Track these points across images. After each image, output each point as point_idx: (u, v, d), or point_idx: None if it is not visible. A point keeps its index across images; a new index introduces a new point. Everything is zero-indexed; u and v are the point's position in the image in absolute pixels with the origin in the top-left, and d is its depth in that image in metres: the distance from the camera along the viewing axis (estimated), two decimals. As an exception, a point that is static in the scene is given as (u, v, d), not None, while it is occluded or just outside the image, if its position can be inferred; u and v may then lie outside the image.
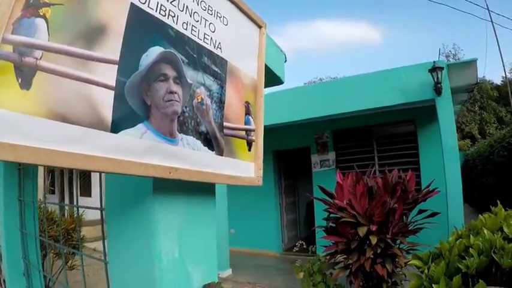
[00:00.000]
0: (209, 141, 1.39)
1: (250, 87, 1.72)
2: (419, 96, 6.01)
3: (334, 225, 4.41)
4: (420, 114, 6.88)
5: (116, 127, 1.02)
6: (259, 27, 1.85)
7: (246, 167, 1.61)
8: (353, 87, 6.84)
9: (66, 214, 6.21)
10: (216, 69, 1.49)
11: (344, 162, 7.69)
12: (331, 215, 4.50)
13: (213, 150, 1.40)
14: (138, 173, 1.06)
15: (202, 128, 1.36)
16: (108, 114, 1.00)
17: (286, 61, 2.47)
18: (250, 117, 1.68)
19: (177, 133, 1.24)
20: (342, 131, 7.93)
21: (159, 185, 1.29)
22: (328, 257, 4.58)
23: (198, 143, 1.33)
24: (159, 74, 1.19)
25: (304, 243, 4.97)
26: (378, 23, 59.31)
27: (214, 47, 1.49)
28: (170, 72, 1.23)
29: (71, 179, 18.30)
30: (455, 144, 5.65)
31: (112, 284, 1.48)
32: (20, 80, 0.82)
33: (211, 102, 1.42)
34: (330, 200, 4.53)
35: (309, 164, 8.33)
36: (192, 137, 1.30)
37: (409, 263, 3.11)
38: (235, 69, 1.62)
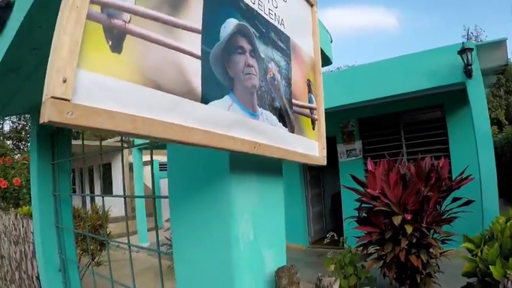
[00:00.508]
0: (283, 117, 1.32)
1: (309, 65, 1.66)
2: (448, 80, 5.87)
3: (366, 215, 4.36)
4: (449, 99, 6.68)
5: (206, 97, 0.96)
6: (311, 5, 1.80)
7: (312, 145, 1.55)
8: (378, 73, 6.71)
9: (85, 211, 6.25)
10: (282, 45, 1.42)
11: (371, 151, 7.55)
12: (363, 205, 4.45)
13: (286, 127, 1.33)
14: (227, 147, 0.99)
15: (277, 104, 1.29)
16: (198, 84, 0.94)
17: (332, 41, 2.43)
18: (312, 95, 1.63)
19: (257, 107, 1.17)
20: (368, 119, 7.79)
21: (234, 163, 1.22)
22: (359, 249, 4.52)
23: (274, 118, 1.26)
24: (236, 46, 1.12)
25: (335, 235, 4.92)
26: (394, 6, 58.50)
27: (279, 22, 1.43)
28: (246, 45, 1.17)
29: (92, 178, 18.47)
30: (488, 129, 5.51)
31: (176, 272, 1.44)
32: (110, 42, 0.75)
33: (280, 78, 1.37)
34: (361, 189, 4.47)
35: (334, 154, 8.18)
36: (269, 112, 1.24)
37: (462, 245, 3.06)
38: (297, 46, 1.55)
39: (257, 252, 1.33)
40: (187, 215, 1.37)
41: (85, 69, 0.71)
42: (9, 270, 5.99)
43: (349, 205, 4.71)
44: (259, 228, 1.34)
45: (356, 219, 4.40)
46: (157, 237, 1.89)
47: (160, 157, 14.75)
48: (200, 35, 0.99)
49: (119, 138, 15.65)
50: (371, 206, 4.21)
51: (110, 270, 2.35)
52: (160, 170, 14.22)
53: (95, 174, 18.12)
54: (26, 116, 32.12)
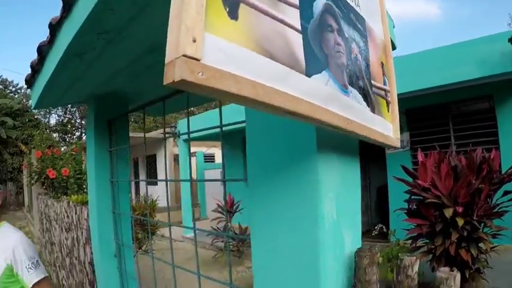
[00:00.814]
0: (366, 96, 1.30)
1: (381, 48, 1.63)
2: (498, 69, 5.66)
3: (416, 207, 4.28)
4: (498, 89, 6.42)
5: (308, 71, 0.95)
6: (378, -11, 1.78)
7: (388, 127, 1.54)
8: (424, 63, 6.55)
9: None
10: (360, 27, 1.40)
11: (419, 143, 7.34)
12: (413, 197, 4.37)
13: (369, 107, 1.32)
14: (327, 120, 0.99)
15: (360, 83, 1.27)
16: (302, 57, 0.94)
17: (394, 27, 2.38)
18: (385, 78, 1.62)
19: (348, 85, 1.17)
20: (416, 109, 7.56)
21: (321, 142, 1.21)
22: (406, 242, 4.44)
23: (360, 97, 1.24)
24: (327, 24, 1.11)
25: (384, 227, 4.86)
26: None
27: (355, 4, 1.41)
28: (334, 24, 1.16)
29: (137, 168, 18.87)
30: (540, 120, 5.32)
31: (254, 254, 1.42)
32: (227, 9, 0.75)
33: (361, 59, 1.35)
34: (410, 181, 4.39)
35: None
36: (356, 90, 1.23)
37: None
38: (371, 28, 1.53)
39: (339, 232, 1.33)
40: (268, 196, 1.36)
41: (209, 32, 0.71)
42: (59, 256, 6.18)
43: (396, 198, 4.62)
44: (341, 208, 1.33)
45: (406, 211, 4.33)
46: (227, 222, 1.89)
47: (205, 149, 14.98)
48: (298, 10, 0.99)
49: (162, 130, 15.94)
50: (421, 198, 4.13)
51: (171, 255, 2.37)
52: (204, 162, 14.49)
53: (140, 165, 18.50)
54: (72, 109, 33.29)
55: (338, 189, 1.32)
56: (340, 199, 1.32)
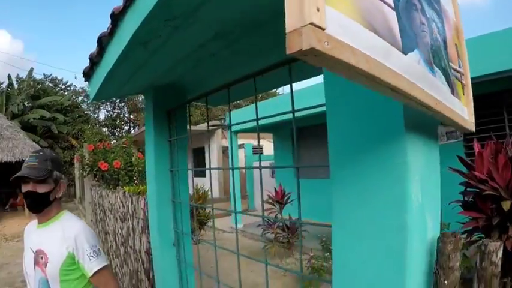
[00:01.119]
0: (447, 78, 1.28)
1: (454, 29, 1.60)
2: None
3: (472, 199, 4.14)
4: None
5: (404, 48, 0.93)
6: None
7: (464, 110, 1.50)
8: (475, 50, 6.29)
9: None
10: (437, 7, 1.36)
11: (471, 133, 7.09)
12: (468, 189, 4.22)
13: (450, 88, 1.30)
14: (421, 98, 0.97)
15: (442, 64, 1.24)
16: (398, 34, 0.92)
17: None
18: (460, 60, 1.57)
19: (434, 65, 1.15)
20: (469, 99, 7.35)
21: (408, 122, 1.19)
22: (460, 236, 4.31)
23: (443, 78, 1.21)
24: (412, 3, 1.09)
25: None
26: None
27: (431, -15, 1.40)
28: (417, 4, 1.13)
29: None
30: None
31: (334, 239, 1.41)
32: None
33: (440, 40, 1.33)
34: (467, 172, 4.24)
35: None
36: (439, 70, 1.20)
37: None
38: (446, 9, 1.49)
39: (423, 216, 1.28)
40: (351, 181, 1.34)
41: (327, 4, 0.70)
42: (113, 245, 6.35)
43: (450, 190, 4.48)
44: (425, 191, 1.29)
45: (461, 204, 4.19)
46: (299, 208, 1.86)
47: (253, 141, 15.09)
48: (389, -13, 0.97)
49: (211, 122, 16.17)
50: (477, 190, 3.99)
51: (237, 244, 2.38)
52: (253, 154, 14.64)
53: (188, 158, 18.88)
54: (120, 104, 34.14)
55: (423, 172, 1.28)
56: (424, 182, 1.28)
